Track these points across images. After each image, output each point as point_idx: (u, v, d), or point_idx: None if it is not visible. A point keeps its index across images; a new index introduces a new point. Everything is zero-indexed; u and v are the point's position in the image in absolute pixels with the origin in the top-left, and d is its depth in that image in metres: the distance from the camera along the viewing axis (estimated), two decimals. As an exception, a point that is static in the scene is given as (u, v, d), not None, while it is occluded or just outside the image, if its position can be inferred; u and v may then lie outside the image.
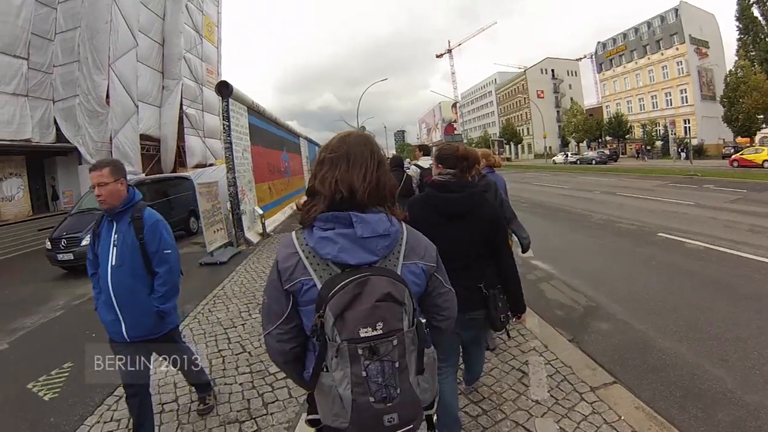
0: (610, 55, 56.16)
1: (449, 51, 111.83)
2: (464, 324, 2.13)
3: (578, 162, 41.87)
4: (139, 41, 18.47)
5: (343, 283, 1.06)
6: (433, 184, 2.29)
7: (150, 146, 19.90)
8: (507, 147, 70.64)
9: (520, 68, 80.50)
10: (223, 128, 8.86)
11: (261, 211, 9.70)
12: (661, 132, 44.33)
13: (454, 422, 2.35)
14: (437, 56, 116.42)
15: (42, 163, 17.80)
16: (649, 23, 50.43)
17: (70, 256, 8.43)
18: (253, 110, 10.89)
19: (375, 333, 1.04)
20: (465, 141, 76.57)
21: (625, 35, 54.37)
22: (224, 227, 8.68)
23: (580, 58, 78.85)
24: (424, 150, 6.24)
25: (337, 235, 1.11)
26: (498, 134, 75.46)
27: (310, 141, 25.20)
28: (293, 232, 1.22)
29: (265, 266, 7.56)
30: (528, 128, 72.23)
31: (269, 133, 13.05)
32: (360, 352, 1.04)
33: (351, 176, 1.15)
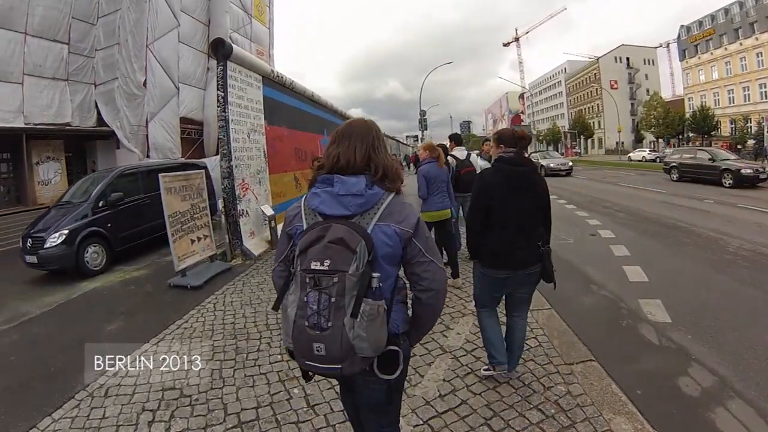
0: (695, 40, 48.26)
1: (516, 39, 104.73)
2: (522, 280, 2.65)
3: (658, 160, 36.13)
4: (182, 21, 16.72)
5: (314, 226, 1.31)
6: (502, 159, 2.63)
7: (192, 130, 18.15)
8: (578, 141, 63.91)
9: (590, 57, 72.92)
10: (218, 100, 6.33)
11: (271, 211, 7.09)
12: (754, 129, 37.27)
13: (503, 348, 2.84)
14: (504, 45, 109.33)
15: (84, 147, 17.01)
16: (741, 3, 42.34)
17: (34, 260, 6.40)
18: (273, 81, 8.26)
19: (321, 267, 1.23)
20: (534, 133, 71.10)
21: (713, 17, 46.35)
22: (210, 234, 6.16)
23: (660, 45, 69.86)
24: (456, 140, 6.20)
25: (322, 192, 1.36)
26: (567, 126, 68.84)
27: None
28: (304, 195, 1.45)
29: (260, 293, 5.10)
30: (599, 121, 65.05)
31: (301, 113, 10.36)
32: (307, 280, 1.25)
33: (349, 153, 1.40)
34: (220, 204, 6.41)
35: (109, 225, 7.07)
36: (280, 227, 8.14)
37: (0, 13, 12.65)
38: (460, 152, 6.02)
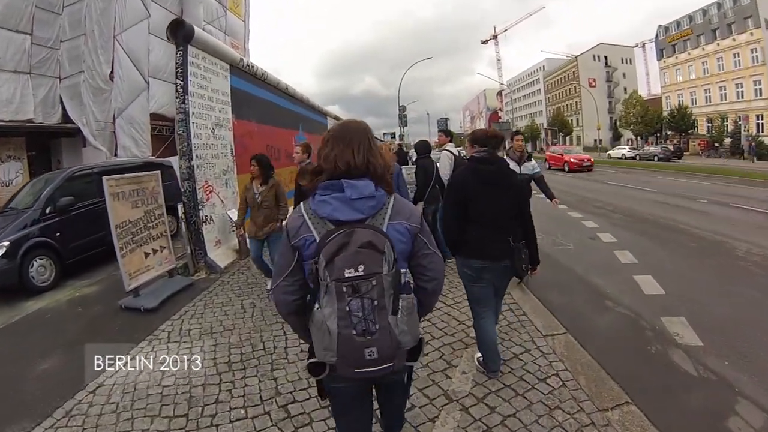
0: (673, 40, 48.44)
1: (495, 37, 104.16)
2: (498, 272, 2.71)
3: (637, 158, 36.19)
4: (152, 11, 15.46)
5: (334, 234, 1.23)
6: (473, 159, 2.73)
7: (163, 127, 16.75)
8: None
9: (568, 56, 73.03)
10: (177, 90, 5.47)
11: (233, 217, 6.24)
12: (731, 128, 37.50)
13: (495, 355, 2.87)
14: (482, 42, 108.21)
15: (48, 145, 15.63)
16: (719, 4, 42.52)
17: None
18: (242, 71, 7.37)
19: (357, 274, 1.19)
20: (513, 129, 70.61)
21: (691, 18, 46.52)
22: (169, 245, 5.30)
23: (637, 45, 70.44)
24: (448, 134, 6.11)
25: (332, 198, 1.31)
26: (546, 124, 68.83)
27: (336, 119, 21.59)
28: (301, 203, 1.40)
29: (224, 317, 4.24)
30: (578, 119, 65.11)
31: (274, 107, 9.43)
32: (344, 289, 1.19)
33: (347, 155, 1.35)
34: (180, 209, 5.54)
35: (58, 234, 6.07)
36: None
37: (-46, 3, 11.51)
38: (453, 148, 5.44)
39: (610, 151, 42.92)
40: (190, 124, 5.48)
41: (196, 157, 5.63)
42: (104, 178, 4.52)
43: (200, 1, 17.58)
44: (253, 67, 7.76)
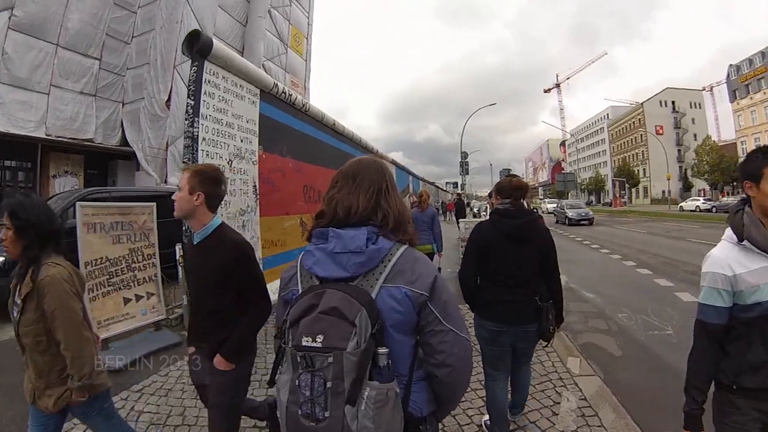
0: (746, 79, 44.79)
1: (557, 85, 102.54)
2: (519, 336, 2.41)
3: (714, 210, 32.36)
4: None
5: (308, 293, 1.04)
6: (496, 212, 2.51)
7: (216, 160, 17.09)
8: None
9: (632, 103, 69.52)
10: (186, 111, 4.63)
11: None
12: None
13: (503, 421, 2.57)
14: (545, 91, 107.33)
15: (107, 164, 16.27)
16: None
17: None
18: (276, 98, 6.54)
19: (313, 344, 0.97)
20: (578, 181, 66.94)
21: (764, 54, 42.93)
22: (158, 292, 4.32)
23: (704, 89, 65.79)
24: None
25: (317, 249, 1.10)
26: (611, 174, 64.89)
27: (401, 168, 20.54)
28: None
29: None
30: (644, 169, 60.75)
31: (317, 143, 8.52)
32: (299, 359, 0.98)
33: (352, 198, 1.14)
34: (179, 251, 4.59)
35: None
36: (270, 286, 6.27)
37: (34, 23, 12.18)
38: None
39: (682, 204, 38.99)
40: (198, 152, 4.57)
41: (203, 191, 4.70)
42: (78, 204, 3.69)
43: (261, 38, 17.81)
44: (291, 95, 6.89)
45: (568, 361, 3.82)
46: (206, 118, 4.70)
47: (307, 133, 7.97)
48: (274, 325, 1.31)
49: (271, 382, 1.13)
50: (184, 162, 4.60)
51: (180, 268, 4.56)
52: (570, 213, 23.69)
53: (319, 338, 0.96)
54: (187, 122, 4.55)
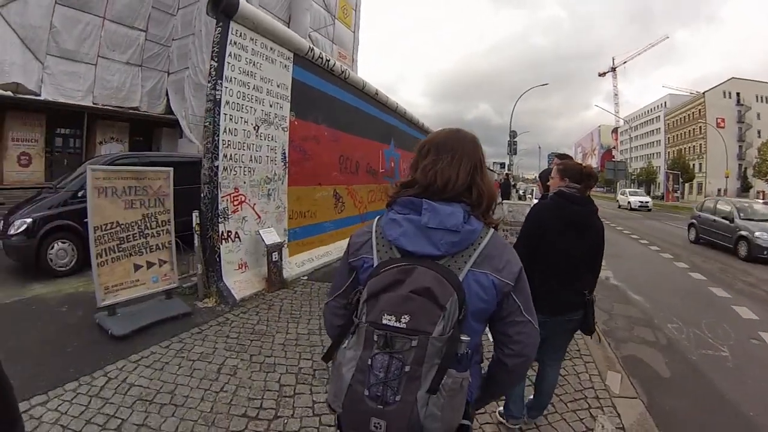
0: None
1: (613, 69, 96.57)
2: (559, 327, 2.27)
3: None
4: (259, 16, 15.78)
5: (390, 266, 0.95)
6: (562, 195, 2.25)
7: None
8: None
9: (692, 92, 64.02)
10: (210, 73, 4.37)
11: (275, 239, 4.96)
12: None
13: (520, 400, 2.49)
14: (600, 75, 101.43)
15: (152, 132, 16.75)
16: None
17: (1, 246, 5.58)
18: (312, 63, 6.16)
19: (397, 324, 0.88)
20: (630, 170, 63.42)
21: None
22: (172, 259, 4.13)
23: None
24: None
25: (405, 220, 1.01)
26: (664, 167, 60.59)
27: None
28: (376, 218, 1.11)
29: (199, 373, 3.00)
30: (700, 164, 56.05)
31: (356, 111, 8.13)
32: (375, 338, 0.89)
33: (451, 171, 1.05)
34: (195, 219, 4.38)
35: (85, 220, 5.49)
36: (295, 259, 5.88)
37: (80, -3, 12.55)
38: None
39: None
40: (221, 116, 4.32)
41: (225, 157, 4.42)
42: (88, 167, 3.52)
43: (308, 8, 17.42)
44: (328, 60, 6.52)
45: (608, 376, 3.33)
46: (231, 80, 4.46)
47: (347, 102, 7.64)
48: (331, 292, 1.16)
49: (328, 357, 1.04)
50: (205, 126, 4.38)
51: (196, 236, 4.37)
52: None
53: (405, 318, 0.89)
54: (209, 85, 4.33)
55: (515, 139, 28.75)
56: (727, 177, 40.24)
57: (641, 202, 27.78)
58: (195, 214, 4.35)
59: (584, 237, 2.24)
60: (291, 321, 4.02)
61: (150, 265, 3.97)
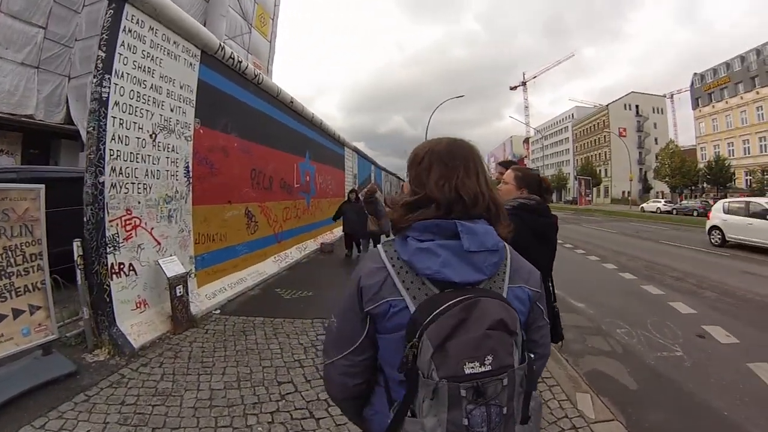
0: (709, 88, 46.08)
1: (524, 83, 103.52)
2: None
3: (674, 212, 33.06)
4: (173, 19, 14.40)
5: (446, 305, 0.78)
6: (525, 208, 2.12)
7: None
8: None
9: (596, 105, 71.25)
10: (95, 65, 3.50)
11: (179, 269, 4.08)
12: (771, 181, 34.02)
13: None
14: (511, 88, 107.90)
15: (49, 144, 14.53)
16: (758, 51, 40.33)
17: None
18: (222, 63, 5.37)
19: (483, 369, 0.76)
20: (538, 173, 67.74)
21: (728, 65, 44.30)
22: (47, 304, 3.17)
23: (665, 95, 68.19)
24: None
25: (439, 247, 0.84)
26: (573, 173, 66.48)
27: (363, 156, 19.64)
28: (379, 245, 0.95)
29: None
30: (606, 169, 62.47)
31: (270, 121, 7.34)
32: (463, 393, 0.75)
33: (471, 182, 0.92)
34: (77, 250, 3.43)
35: None
36: (204, 290, 4.50)
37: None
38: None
39: (643, 205, 39.84)
40: (108, 119, 3.44)
41: (113, 171, 3.52)
42: None
43: (224, 14, 16.33)
44: (240, 62, 5.75)
45: (578, 399, 2.97)
46: (122, 76, 3.59)
47: (260, 109, 6.84)
48: (337, 350, 0.92)
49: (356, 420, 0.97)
50: (88, 132, 3.46)
51: (79, 271, 3.41)
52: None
53: (488, 360, 0.77)
54: (95, 81, 3.43)
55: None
56: (632, 180, 44.48)
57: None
58: (76, 244, 3.39)
59: (547, 246, 2.21)
60: (203, 372, 3.20)
61: (17, 313, 2.98)
